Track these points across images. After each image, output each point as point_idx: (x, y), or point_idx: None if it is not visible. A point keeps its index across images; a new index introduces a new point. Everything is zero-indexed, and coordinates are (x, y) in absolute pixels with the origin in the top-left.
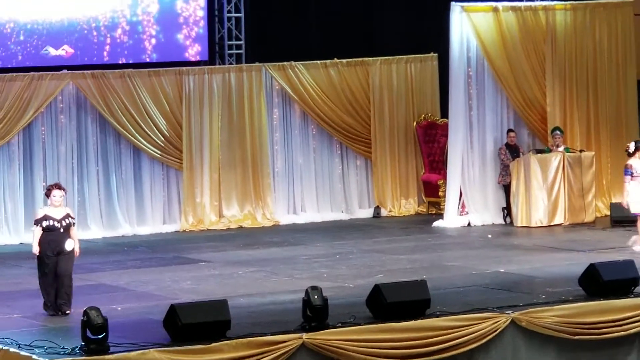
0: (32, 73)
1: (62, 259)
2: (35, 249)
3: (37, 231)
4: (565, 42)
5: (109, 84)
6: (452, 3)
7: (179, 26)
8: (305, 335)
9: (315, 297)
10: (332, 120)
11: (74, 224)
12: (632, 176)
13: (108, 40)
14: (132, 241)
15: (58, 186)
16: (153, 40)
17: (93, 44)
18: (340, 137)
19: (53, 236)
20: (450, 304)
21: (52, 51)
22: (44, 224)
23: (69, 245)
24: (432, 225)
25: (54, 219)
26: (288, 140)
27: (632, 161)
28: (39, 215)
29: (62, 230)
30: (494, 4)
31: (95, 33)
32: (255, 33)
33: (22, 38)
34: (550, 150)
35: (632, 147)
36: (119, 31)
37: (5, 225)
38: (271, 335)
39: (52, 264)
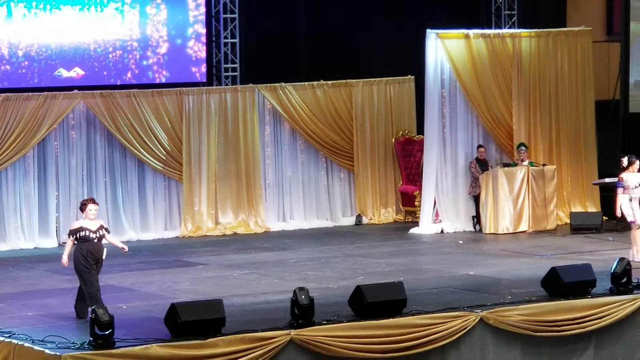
0: (45, 93)
1: (99, 266)
2: (65, 260)
3: (69, 243)
4: (530, 66)
5: (116, 102)
6: (428, 30)
7: (184, 53)
8: (293, 332)
9: (303, 297)
10: (318, 137)
11: (108, 232)
12: (624, 189)
13: (116, 62)
14: (137, 246)
15: (92, 200)
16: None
17: (102, 66)
18: (325, 152)
19: (90, 246)
20: (424, 303)
21: (65, 73)
22: (80, 234)
23: (104, 254)
24: (409, 232)
25: (89, 230)
26: (278, 155)
27: (624, 175)
28: (75, 226)
29: (96, 240)
30: (465, 31)
31: (103, 56)
32: (249, 57)
33: (36, 60)
34: (516, 164)
35: (625, 161)
36: (127, 55)
37: (21, 231)
38: (262, 331)
39: (94, 270)
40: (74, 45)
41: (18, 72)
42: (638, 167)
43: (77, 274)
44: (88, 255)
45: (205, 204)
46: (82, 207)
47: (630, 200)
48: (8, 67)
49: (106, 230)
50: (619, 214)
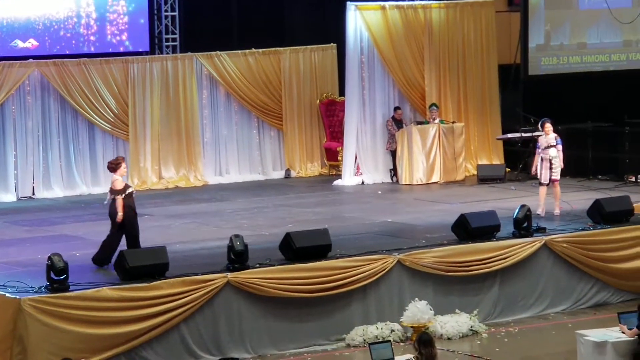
0: (3, 62)
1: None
2: (120, 216)
3: (120, 200)
4: (439, 35)
5: (67, 70)
6: (348, 2)
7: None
8: (229, 275)
9: (238, 243)
10: (250, 99)
11: None
12: (538, 149)
13: (68, 34)
14: (88, 199)
15: (124, 159)
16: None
17: (55, 38)
18: (257, 113)
19: (133, 200)
20: (347, 248)
21: (20, 44)
22: (128, 191)
23: None
24: (333, 184)
25: (130, 186)
26: (215, 116)
27: (540, 137)
28: (121, 185)
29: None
30: (381, 3)
31: (56, 29)
32: (188, 28)
33: None
34: (428, 122)
35: (539, 125)
36: (78, 27)
37: None
38: (202, 275)
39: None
40: (28, 18)
41: None
42: (550, 128)
43: (129, 225)
44: (133, 207)
45: (149, 160)
46: (117, 166)
47: (542, 160)
48: None
49: None
50: (534, 172)
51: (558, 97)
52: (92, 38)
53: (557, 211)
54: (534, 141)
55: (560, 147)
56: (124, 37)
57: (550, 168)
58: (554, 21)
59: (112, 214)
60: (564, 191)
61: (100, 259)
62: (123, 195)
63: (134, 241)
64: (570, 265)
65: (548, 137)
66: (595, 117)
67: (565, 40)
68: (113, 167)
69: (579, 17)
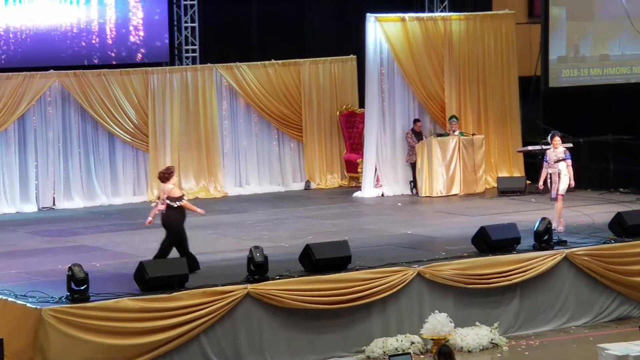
0: (24, 73)
1: None
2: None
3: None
4: (459, 46)
5: (88, 81)
6: (368, 14)
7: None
8: (249, 286)
9: (258, 254)
10: (270, 111)
11: None
12: (547, 164)
13: (88, 45)
14: (108, 210)
15: (174, 167)
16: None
17: (77, 48)
18: (277, 124)
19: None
20: (367, 259)
21: (42, 54)
22: (185, 199)
23: None
24: (353, 196)
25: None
26: (234, 127)
27: (548, 151)
28: (178, 193)
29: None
30: (401, 15)
31: (78, 39)
32: (208, 39)
33: (15, 43)
34: (448, 134)
35: (548, 138)
36: (98, 37)
37: (3, 197)
38: (221, 286)
39: None
40: (49, 28)
41: None
42: (559, 142)
43: (179, 234)
44: (185, 215)
45: None
46: (170, 175)
47: (550, 175)
48: None
49: None
50: (541, 186)
51: (579, 110)
52: (112, 49)
53: (560, 228)
54: None
55: (569, 161)
56: (143, 49)
57: (559, 182)
58: (576, 33)
59: (171, 221)
60: (585, 204)
61: (190, 266)
62: (181, 202)
63: (183, 247)
64: (592, 279)
65: (557, 150)
66: (616, 129)
67: (587, 52)
68: (166, 176)
69: (602, 29)
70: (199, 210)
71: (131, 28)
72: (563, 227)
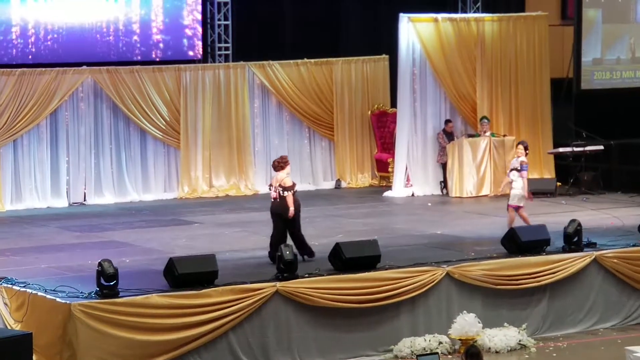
0: (57, 68)
1: None
2: (292, 211)
3: (291, 196)
4: (492, 48)
5: (120, 77)
6: (401, 14)
7: (181, 32)
8: (278, 284)
9: (287, 252)
10: (302, 109)
11: None
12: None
13: (121, 42)
14: (139, 206)
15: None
16: (161, 45)
17: (109, 45)
18: (308, 123)
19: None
20: (396, 259)
21: (75, 50)
22: (295, 188)
23: None
24: (383, 195)
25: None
26: (266, 125)
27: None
28: (291, 182)
29: None
30: (434, 15)
31: (110, 36)
32: (241, 38)
33: (49, 39)
34: (479, 135)
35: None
36: (131, 34)
37: (35, 193)
38: (251, 283)
39: None
40: (82, 24)
41: (33, 50)
42: (521, 152)
43: (296, 221)
44: (299, 203)
45: (200, 169)
46: (285, 164)
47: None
48: (21, 41)
49: None
50: (500, 192)
51: (611, 112)
52: (145, 46)
53: None
54: (585, 156)
55: (524, 173)
56: (176, 46)
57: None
58: (611, 35)
59: (281, 210)
60: (615, 206)
61: (303, 253)
62: (293, 191)
63: (297, 235)
64: (621, 281)
65: (515, 159)
66: None
67: (622, 55)
68: (281, 165)
69: (637, 31)
70: (291, 209)
71: (165, 25)
72: None
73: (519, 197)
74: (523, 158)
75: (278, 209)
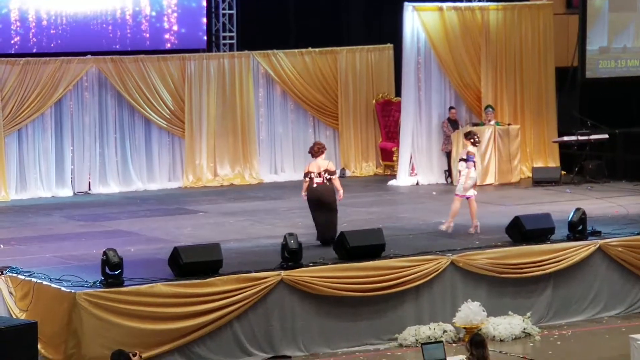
0: (62, 57)
1: None
2: (341, 193)
3: (337, 180)
4: (497, 36)
5: (125, 67)
6: (405, 3)
7: (186, 21)
8: (283, 273)
9: (292, 241)
10: (306, 98)
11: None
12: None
13: (125, 31)
14: (143, 195)
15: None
16: (166, 35)
17: (113, 34)
18: (313, 112)
19: None
20: (401, 247)
21: (79, 39)
22: (339, 172)
23: None
24: (388, 184)
25: None
26: (270, 114)
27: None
28: (334, 167)
29: None
30: (439, 4)
31: (112, 24)
32: (245, 27)
33: (53, 28)
34: (483, 124)
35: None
36: (136, 24)
37: (39, 182)
38: (255, 272)
39: None
40: (86, 13)
41: (37, 39)
42: (468, 142)
43: (335, 206)
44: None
45: (205, 158)
46: (324, 149)
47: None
48: (25, 30)
49: None
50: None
51: (615, 101)
52: (149, 35)
53: (470, 230)
54: (590, 144)
55: (471, 163)
56: (181, 35)
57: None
58: (617, 24)
59: (329, 194)
60: (620, 195)
61: (325, 238)
62: (337, 175)
63: (334, 220)
64: (625, 269)
65: (464, 150)
66: None
67: (628, 43)
68: (322, 150)
69: None
70: (340, 191)
71: (169, 14)
72: (474, 230)
73: (465, 187)
74: (470, 148)
75: (325, 194)
